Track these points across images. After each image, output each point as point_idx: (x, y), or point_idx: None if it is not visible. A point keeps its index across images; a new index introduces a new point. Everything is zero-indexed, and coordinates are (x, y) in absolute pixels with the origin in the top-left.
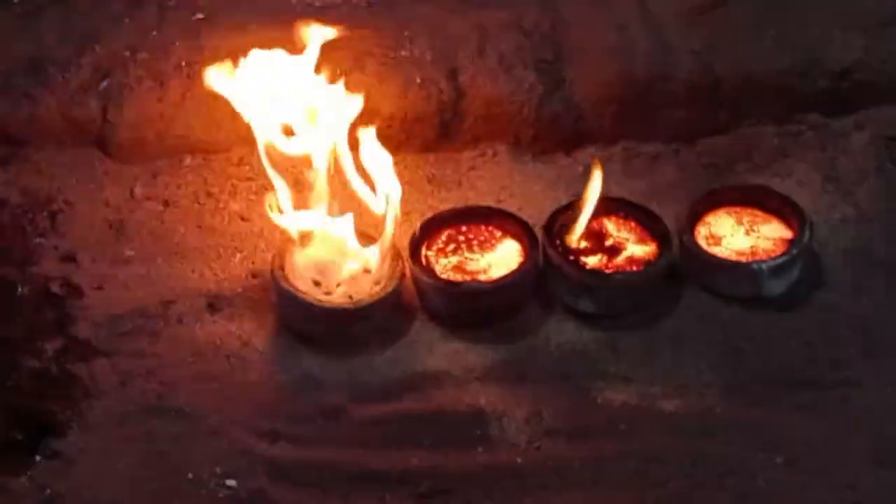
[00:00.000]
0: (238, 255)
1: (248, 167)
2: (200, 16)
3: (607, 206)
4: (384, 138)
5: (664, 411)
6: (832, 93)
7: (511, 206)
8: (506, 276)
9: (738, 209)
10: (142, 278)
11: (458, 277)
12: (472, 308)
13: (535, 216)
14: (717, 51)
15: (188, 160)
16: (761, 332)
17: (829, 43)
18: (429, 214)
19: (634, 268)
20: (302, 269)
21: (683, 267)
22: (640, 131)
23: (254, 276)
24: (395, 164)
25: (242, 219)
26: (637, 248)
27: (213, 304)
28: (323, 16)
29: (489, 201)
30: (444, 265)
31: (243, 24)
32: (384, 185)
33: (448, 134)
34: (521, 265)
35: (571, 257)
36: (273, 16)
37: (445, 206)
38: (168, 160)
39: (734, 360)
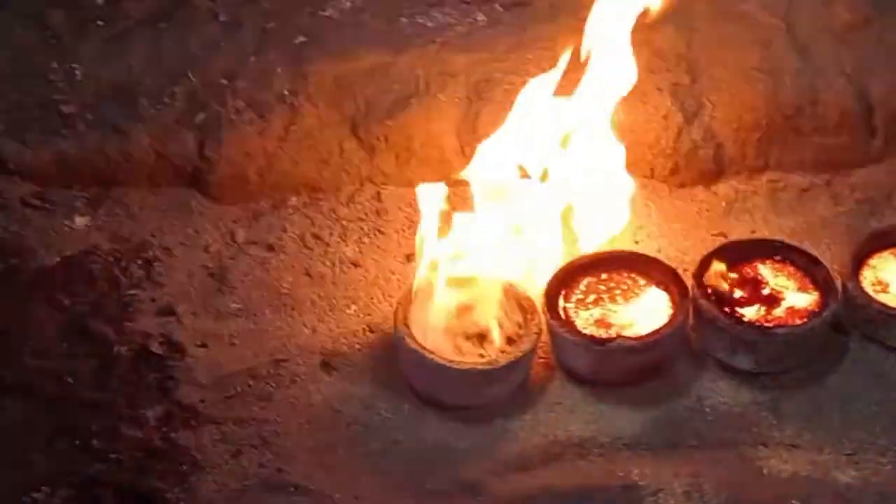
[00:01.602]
0: (353, 307)
1: (358, 206)
2: (303, 39)
3: (761, 248)
4: None
5: (839, 483)
6: None
7: (649, 247)
8: (656, 332)
9: None
10: (248, 334)
11: (601, 333)
12: (618, 367)
13: (676, 258)
14: (870, 72)
15: (293, 200)
16: None
17: None
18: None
19: (797, 320)
20: (430, 324)
21: (848, 316)
22: (788, 161)
23: (371, 330)
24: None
25: (355, 265)
26: (798, 298)
27: (329, 363)
28: (436, 37)
29: (625, 242)
30: (586, 319)
31: (349, 47)
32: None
33: None
34: (673, 319)
35: (727, 309)
36: (381, 38)
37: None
38: (271, 200)
39: None
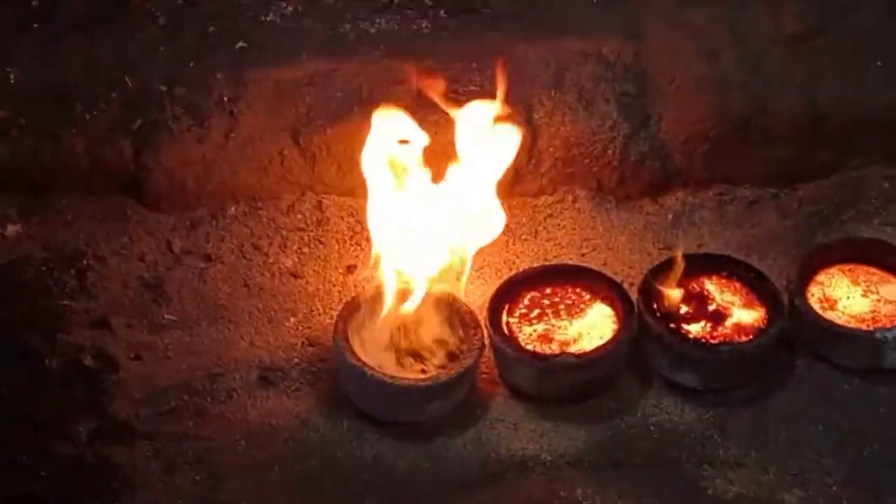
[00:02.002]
0: (292, 319)
1: (299, 216)
2: (243, 44)
3: (708, 263)
4: None
5: None
6: None
7: (595, 261)
8: (601, 348)
9: (852, 266)
10: (184, 347)
11: (545, 349)
12: (562, 383)
13: (622, 271)
14: (819, 83)
15: (232, 209)
16: (886, 410)
17: None
18: (504, 271)
19: (743, 337)
20: (371, 338)
21: (795, 333)
22: (736, 173)
23: (310, 343)
24: None
25: (295, 276)
26: (744, 314)
27: (266, 377)
28: (380, 44)
29: (570, 254)
30: (529, 334)
31: (291, 53)
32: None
33: (523, 178)
34: (617, 335)
35: (672, 325)
36: (324, 43)
37: (521, 260)
38: (209, 209)
39: (858, 441)
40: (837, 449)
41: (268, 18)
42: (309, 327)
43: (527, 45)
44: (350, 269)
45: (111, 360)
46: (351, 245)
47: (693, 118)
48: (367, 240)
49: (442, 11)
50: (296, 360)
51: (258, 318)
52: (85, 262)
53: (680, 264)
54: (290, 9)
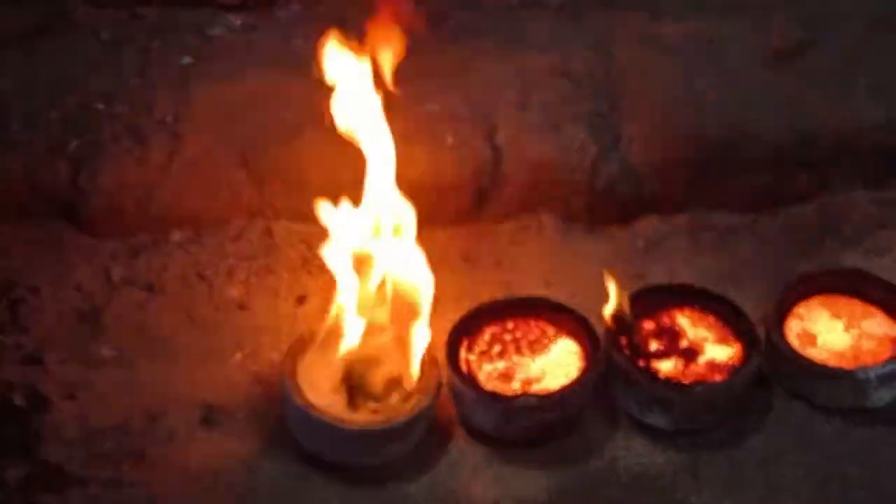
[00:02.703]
0: (238, 355)
1: (247, 243)
2: (189, 60)
3: (680, 296)
4: None
5: None
6: None
7: (561, 291)
8: (565, 387)
9: (833, 298)
10: (122, 385)
11: (507, 388)
12: (524, 425)
13: (589, 303)
14: (801, 105)
15: (176, 235)
16: (869, 452)
17: None
18: (464, 302)
19: (717, 376)
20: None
21: (772, 371)
22: (712, 199)
23: (258, 381)
24: (424, 240)
25: (242, 308)
26: (718, 351)
27: (210, 418)
28: None
29: (535, 285)
30: (489, 372)
31: (238, 70)
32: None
33: (485, 203)
34: (583, 373)
35: (642, 363)
36: (274, 60)
37: (483, 290)
38: (152, 235)
39: (840, 487)
40: (818, 495)
41: (214, 33)
42: (256, 364)
43: (490, 62)
44: (300, 300)
45: (43, 400)
46: (302, 274)
47: (667, 140)
48: (320, 268)
49: None
50: (241, 399)
51: (202, 354)
52: (17, 292)
53: (619, 296)
54: (238, 22)
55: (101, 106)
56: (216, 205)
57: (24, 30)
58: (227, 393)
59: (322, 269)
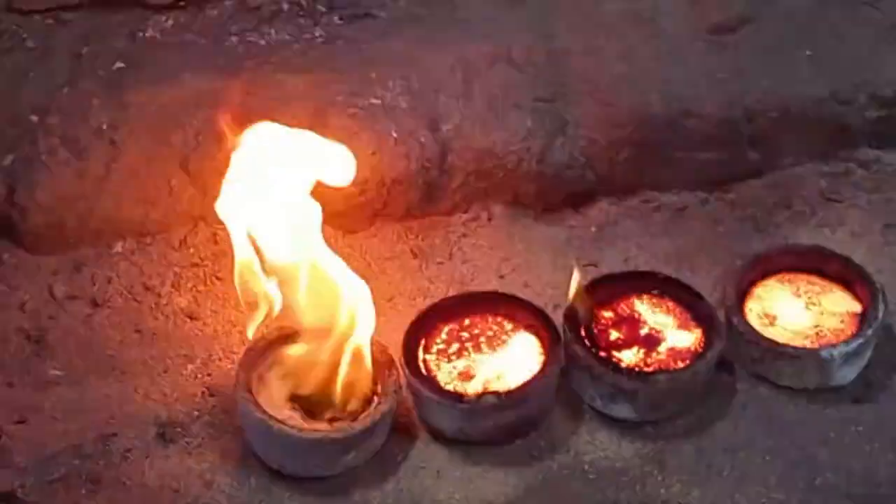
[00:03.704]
0: (189, 367)
1: (192, 250)
2: (121, 64)
3: (636, 282)
4: (356, 206)
5: None
6: (884, 121)
7: (515, 282)
8: (527, 384)
9: (791, 276)
10: (73, 405)
11: (467, 388)
12: (487, 425)
13: (545, 292)
14: (745, 78)
15: (118, 246)
16: (836, 432)
17: (878, 62)
18: (418, 299)
19: (679, 363)
20: (275, 386)
21: (734, 354)
22: (661, 179)
23: (211, 393)
24: (371, 236)
25: (191, 318)
26: (679, 336)
27: (165, 434)
28: (271, 56)
29: (489, 277)
30: (449, 372)
31: (173, 71)
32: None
33: (433, 196)
34: (544, 368)
35: (602, 354)
36: (208, 60)
37: (436, 286)
38: (94, 248)
39: (808, 470)
40: (786, 480)
41: (146, 34)
42: (209, 374)
43: (430, 51)
44: (251, 305)
45: None
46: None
47: (613, 122)
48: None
49: (336, 17)
50: (196, 412)
51: (152, 368)
52: None
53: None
54: (170, 23)
55: (33, 118)
56: (158, 213)
57: None
58: (181, 407)
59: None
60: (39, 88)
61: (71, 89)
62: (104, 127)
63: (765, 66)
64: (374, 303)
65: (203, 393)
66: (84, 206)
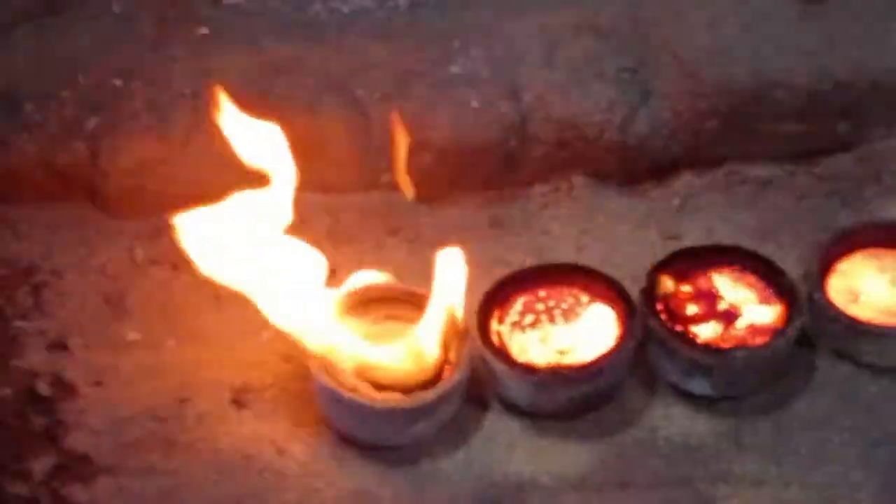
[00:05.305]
0: (264, 334)
1: None
2: (204, 30)
3: (716, 256)
4: (435, 176)
5: None
6: None
7: (594, 254)
8: (602, 358)
9: (877, 251)
10: (150, 369)
11: (540, 360)
12: (560, 397)
13: (625, 265)
14: (835, 49)
15: None
16: None
17: None
18: (494, 269)
19: (758, 339)
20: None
21: (815, 331)
22: (746, 151)
23: (286, 359)
24: (450, 205)
25: None
26: (759, 312)
27: (239, 399)
28: (353, 23)
29: (567, 249)
30: (522, 343)
31: (257, 38)
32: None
33: (513, 166)
34: (620, 342)
35: (679, 328)
36: (291, 27)
37: (513, 256)
38: (175, 213)
39: (889, 450)
40: (866, 459)
41: (229, 1)
42: (284, 341)
43: (513, 19)
44: (331, 272)
45: (69, 387)
46: (326, 247)
47: (697, 93)
48: (347, 239)
49: None
50: (270, 379)
51: (229, 333)
52: (40, 277)
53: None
54: None
55: (118, 82)
56: (238, 178)
57: (33, 8)
58: (256, 373)
59: (349, 240)
60: (124, 53)
61: (155, 54)
62: (187, 92)
63: (855, 37)
64: None
65: (277, 359)
66: (166, 171)
